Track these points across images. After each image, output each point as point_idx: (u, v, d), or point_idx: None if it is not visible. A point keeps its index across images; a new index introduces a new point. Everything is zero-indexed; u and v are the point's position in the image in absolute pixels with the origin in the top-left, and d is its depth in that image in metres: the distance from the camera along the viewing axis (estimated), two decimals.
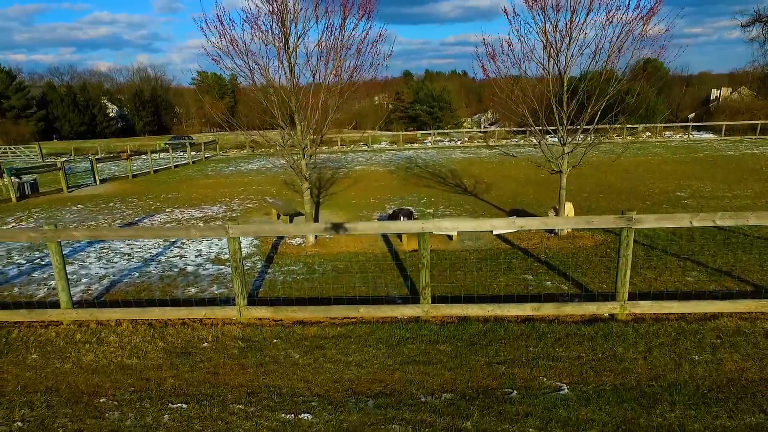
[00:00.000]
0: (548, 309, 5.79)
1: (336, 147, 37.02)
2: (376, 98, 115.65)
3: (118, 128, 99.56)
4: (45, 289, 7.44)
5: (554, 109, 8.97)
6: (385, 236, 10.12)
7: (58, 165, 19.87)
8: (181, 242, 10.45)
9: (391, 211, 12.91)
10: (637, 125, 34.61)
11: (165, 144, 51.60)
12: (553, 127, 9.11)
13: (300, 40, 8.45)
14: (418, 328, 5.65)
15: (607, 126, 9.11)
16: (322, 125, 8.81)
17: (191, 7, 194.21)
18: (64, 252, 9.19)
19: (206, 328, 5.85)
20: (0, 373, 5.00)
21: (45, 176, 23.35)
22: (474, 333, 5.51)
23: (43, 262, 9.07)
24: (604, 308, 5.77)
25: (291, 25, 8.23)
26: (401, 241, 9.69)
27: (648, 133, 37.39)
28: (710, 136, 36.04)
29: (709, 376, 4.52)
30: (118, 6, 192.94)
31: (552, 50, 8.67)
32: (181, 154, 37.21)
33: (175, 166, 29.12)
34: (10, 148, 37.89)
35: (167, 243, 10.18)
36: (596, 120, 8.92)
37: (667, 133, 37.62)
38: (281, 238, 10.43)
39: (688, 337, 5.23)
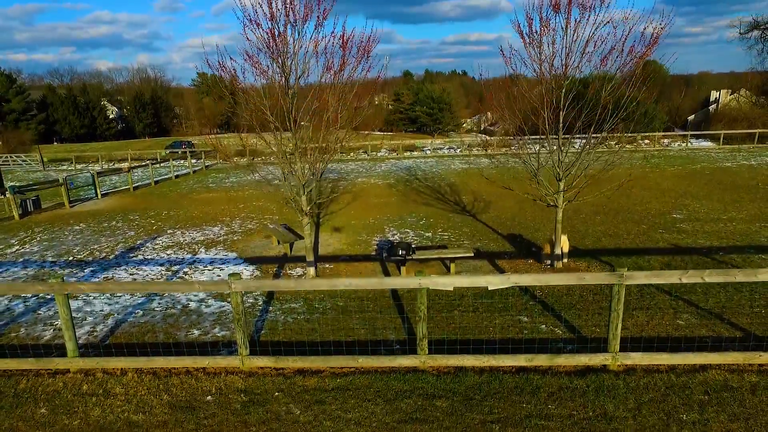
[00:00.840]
0: (542, 360, 5.96)
1: (336, 156, 37.13)
2: (376, 99, 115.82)
3: (118, 130, 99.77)
4: (51, 330, 7.61)
5: (548, 140, 9.17)
6: (383, 266, 10.30)
7: (60, 180, 20.03)
8: (184, 272, 10.63)
9: (390, 236, 13.11)
10: (635, 134, 34.72)
11: (165, 151, 51.78)
12: (547, 149, 9.28)
13: (300, 78, 8.62)
14: (416, 380, 5.81)
15: (605, 135, 9.06)
16: (324, 164, 8.99)
17: (192, 6, 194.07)
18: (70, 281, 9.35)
19: (209, 378, 6.01)
20: (10, 430, 5.16)
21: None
22: (470, 385, 5.68)
23: (49, 296, 9.23)
24: (596, 359, 5.93)
25: (291, 65, 8.39)
26: (400, 272, 9.86)
27: (647, 141, 37.53)
28: (708, 144, 36.20)
29: None
30: (118, 5, 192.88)
31: (548, 86, 8.85)
32: (182, 162, 37.37)
33: (176, 177, 29.27)
34: (11, 157, 38.04)
35: (170, 274, 10.35)
36: (601, 128, 8.92)
37: (665, 140, 37.79)
38: (281, 269, 10.61)
39: (677, 393, 5.40)
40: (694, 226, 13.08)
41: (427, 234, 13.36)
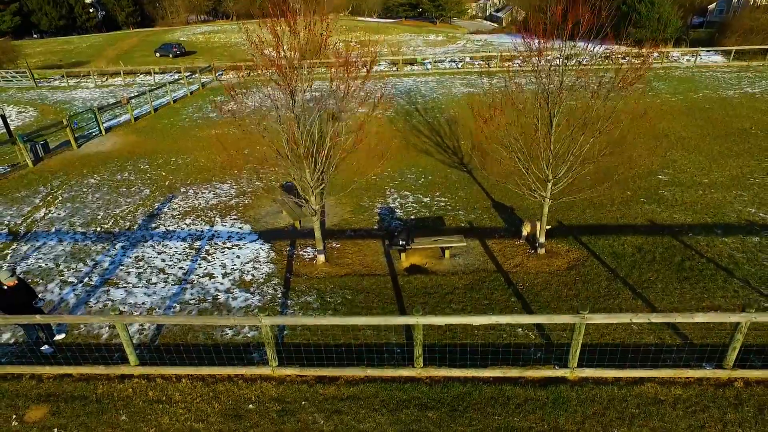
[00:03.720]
0: (514, 372, 7.44)
1: (334, 70, 36.06)
2: None
3: (99, 20, 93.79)
4: (106, 329, 9.00)
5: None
6: (386, 252, 11.46)
7: (64, 122, 20.27)
8: (205, 250, 11.82)
9: (391, 201, 14.09)
10: (643, 51, 33.46)
11: (156, 54, 49.78)
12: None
13: None
14: (413, 389, 7.33)
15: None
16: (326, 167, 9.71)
17: None
18: (105, 266, 10.67)
19: (248, 385, 7.52)
20: None
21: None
22: (456, 395, 7.21)
23: (92, 282, 10.54)
24: (558, 372, 7.41)
25: None
26: (400, 257, 11.07)
27: (656, 54, 36.23)
28: (718, 59, 35.10)
29: None
30: None
31: None
32: (176, 76, 36.43)
33: (174, 101, 28.99)
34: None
35: (194, 255, 11.54)
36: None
37: (674, 53, 36.48)
38: (294, 248, 11.79)
39: (616, 406, 6.94)
40: (674, 193, 14.00)
41: (425, 199, 14.32)
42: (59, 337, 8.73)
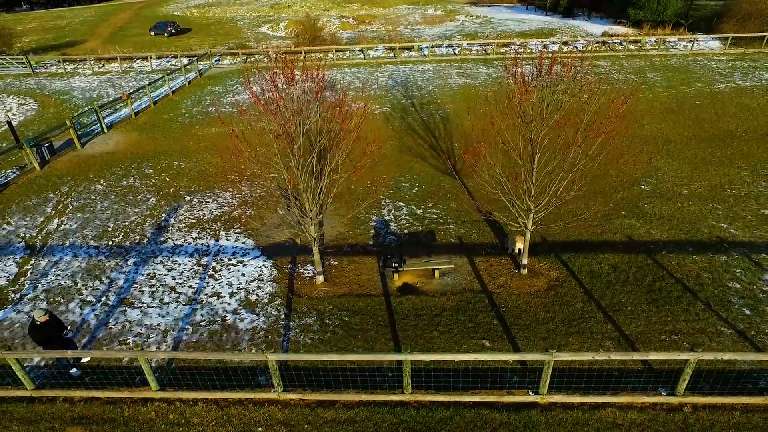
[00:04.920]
0: (492, 397, 8.44)
1: (330, 55, 36.06)
2: None
3: None
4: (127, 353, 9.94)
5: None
6: (381, 271, 12.31)
7: (68, 123, 20.74)
8: (212, 267, 12.67)
9: (386, 213, 14.88)
10: (641, 37, 33.42)
11: (150, 33, 49.29)
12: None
13: None
14: (402, 413, 8.34)
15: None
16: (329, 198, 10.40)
17: None
18: (120, 284, 11.56)
19: (257, 408, 8.52)
20: None
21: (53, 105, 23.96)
22: (440, 419, 8.22)
23: (109, 301, 11.44)
24: (530, 398, 8.42)
25: None
26: (394, 277, 11.95)
27: (653, 40, 36.23)
28: (716, 45, 35.12)
29: None
30: None
31: None
32: (174, 62, 36.38)
33: (173, 92, 29.22)
34: None
35: (202, 272, 12.40)
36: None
37: (671, 39, 36.40)
38: (295, 266, 12.64)
39: (579, 430, 7.97)
40: (654, 205, 14.78)
41: (418, 211, 15.10)
42: (85, 360, 9.68)
